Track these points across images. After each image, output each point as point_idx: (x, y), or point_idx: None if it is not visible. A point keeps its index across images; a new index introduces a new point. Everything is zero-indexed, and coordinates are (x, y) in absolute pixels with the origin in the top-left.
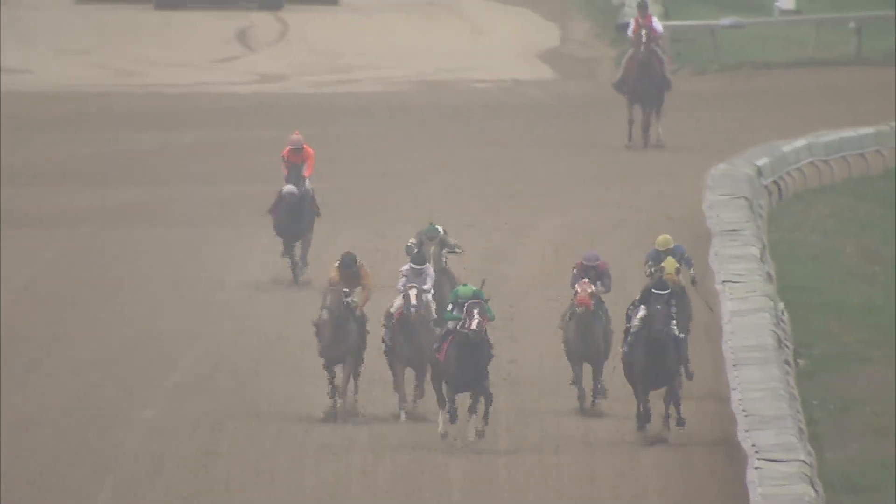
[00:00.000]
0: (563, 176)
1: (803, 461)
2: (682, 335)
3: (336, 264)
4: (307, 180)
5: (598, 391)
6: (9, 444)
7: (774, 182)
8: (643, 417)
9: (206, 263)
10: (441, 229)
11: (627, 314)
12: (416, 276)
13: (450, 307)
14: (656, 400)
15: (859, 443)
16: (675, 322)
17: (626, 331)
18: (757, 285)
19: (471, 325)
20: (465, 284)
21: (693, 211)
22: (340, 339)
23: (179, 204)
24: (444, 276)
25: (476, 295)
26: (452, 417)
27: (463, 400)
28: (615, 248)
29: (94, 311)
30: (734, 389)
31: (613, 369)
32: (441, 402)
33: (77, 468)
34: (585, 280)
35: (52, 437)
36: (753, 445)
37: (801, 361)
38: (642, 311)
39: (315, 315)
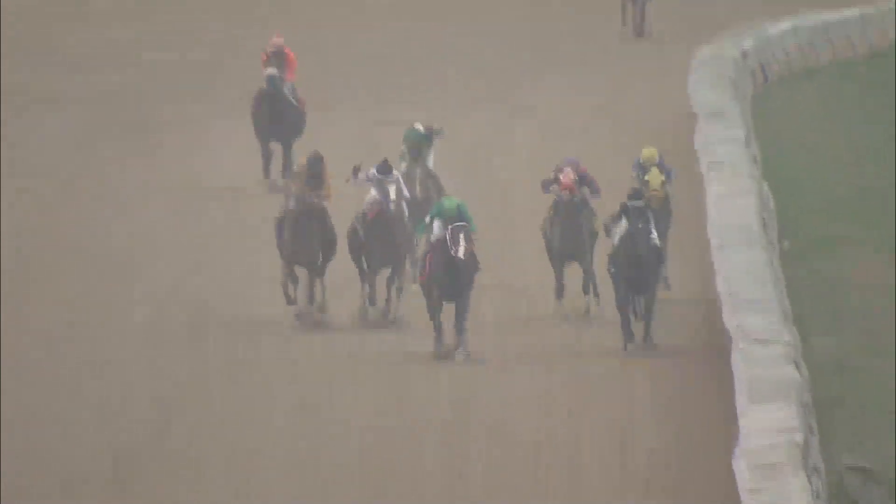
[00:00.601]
0: (552, 59)
1: (787, 343)
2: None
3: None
4: (292, 85)
5: (591, 293)
6: None
7: (760, 65)
8: (627, 332)
9: (187, 160)
10: (421, 128)
11: (605, 227)
12: (379, 185)
13: (427, 219)
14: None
15: (848, 326)
16: (654, 234)
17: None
18: (742, 168)
19: (457, 251)
20: (448, 197)
21: (679, 94)
22: (304, 238)
23: (163, 86)
24: (430, 181)
25: (460, 210)
26: (438, 332)
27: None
28: (602, 133)
29: (77, 212)
30: (719, 272)
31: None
32: (436, 326)
33: (63, 374)
34: (569, 168)
35: (36, 342)
36: (738, 326)
37: (785, 243)
38: (623, 227)
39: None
